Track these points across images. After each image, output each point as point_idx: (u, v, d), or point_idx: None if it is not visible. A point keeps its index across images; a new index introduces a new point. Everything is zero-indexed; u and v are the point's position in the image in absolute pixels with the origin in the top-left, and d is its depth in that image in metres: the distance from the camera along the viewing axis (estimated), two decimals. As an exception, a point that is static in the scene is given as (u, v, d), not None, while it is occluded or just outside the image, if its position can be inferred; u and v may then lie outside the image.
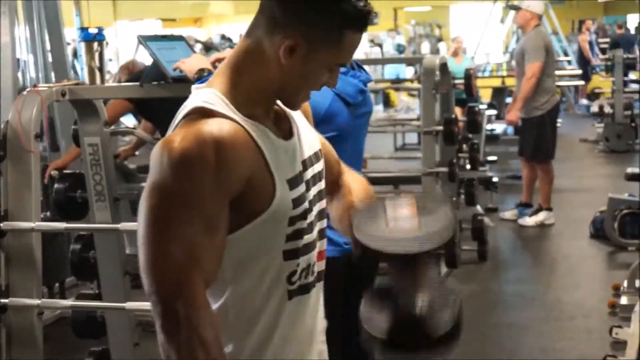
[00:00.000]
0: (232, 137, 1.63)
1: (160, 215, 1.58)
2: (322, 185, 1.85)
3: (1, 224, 3.60)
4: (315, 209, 1.80)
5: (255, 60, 1.71)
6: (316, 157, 1.85)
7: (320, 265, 1.83)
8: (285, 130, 1.79)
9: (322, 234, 1.83)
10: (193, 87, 1.78)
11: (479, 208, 7.34)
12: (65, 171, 4.76)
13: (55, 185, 4.25)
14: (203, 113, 1.65)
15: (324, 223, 1.84)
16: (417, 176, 6.22)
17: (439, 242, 1.65)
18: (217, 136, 1.60)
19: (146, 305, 3.64)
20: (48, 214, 5.17)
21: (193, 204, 1.58)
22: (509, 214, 8.09)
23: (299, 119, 1.86)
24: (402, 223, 1.68)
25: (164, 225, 1.58)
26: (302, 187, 1.74)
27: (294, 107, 1.80)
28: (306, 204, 1.74)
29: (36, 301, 3.59)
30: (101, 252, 4.05)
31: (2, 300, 3.60)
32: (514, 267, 6.86)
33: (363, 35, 1.73)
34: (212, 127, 1.61)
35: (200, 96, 1.70)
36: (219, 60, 3.39)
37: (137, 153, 6.20)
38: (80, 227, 4.19)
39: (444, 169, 5.93)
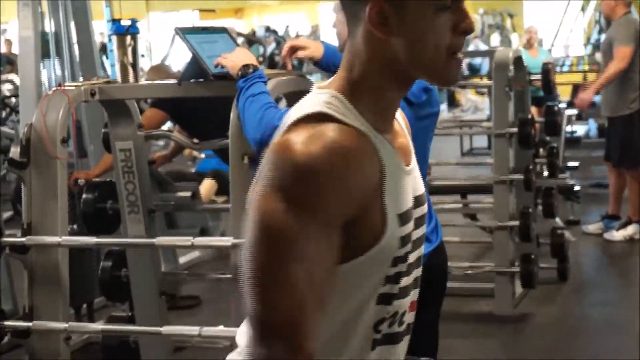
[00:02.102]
0: (360, 148, 1.56)
1: (283, 223, 1.50)
2: (425, 229, 1.80)
3: (24, 239, 3.63)
4: (416, 253, 1.74)
5: (361, 52, 1.63)
6: (425, 196, 1.79)
7: (411, 317, 1.79)
8: (406, 154, 1.72)
9: (417, 281, 1.78)
10: (314, 86, 1.71)
11: (558, 221, 7.26)
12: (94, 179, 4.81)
13: (84, 195, 4.28)
14: (326, 119, 1.58)
15: (420, 271, 1.78)
16: (488, 185, 6.17)
17: None
18: (346, 144, 1.53)
19: (184, 329, 3.66)
20: (75, 227, 5.21)
21: (321, 219, 1.51)
22: (593, 227, 8.00)
23: (411, 143, 1.79)
24: None
25: (286, 237, 1.50)
26: (410, 226, 1.67)
27: (445, 78, 1.66)
28: (410, 245, 1.68)
29: (63, 325, 3.61)
30: (134, 270, 4.08)
31: (26, 324, 3.64)
32: (599, 289, 6.77)
33: None
34: (339, 133, 1.54)
35: (320, 98, 1.63)
36: (294, 48, 3.36)
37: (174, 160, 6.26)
38: (111, 242, 4.21)
39: (519, 177, 5.88)
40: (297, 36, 17.69)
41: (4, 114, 11.37)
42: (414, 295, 1.77)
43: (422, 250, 1.78)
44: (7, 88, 12.49)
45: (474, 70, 16.12)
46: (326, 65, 3.38)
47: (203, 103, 4.95)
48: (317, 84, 1.71)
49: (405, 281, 1.70)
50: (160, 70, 6.17)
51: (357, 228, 1.57)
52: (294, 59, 3.37)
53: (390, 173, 1.61)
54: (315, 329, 1.53)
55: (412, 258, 1.70)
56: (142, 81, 4.76)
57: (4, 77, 13.42)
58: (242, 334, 1.72)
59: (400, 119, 1.80)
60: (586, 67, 14.67)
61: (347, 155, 1.52)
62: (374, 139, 1.60)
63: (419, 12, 1.59)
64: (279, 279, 1.50)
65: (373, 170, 1.58)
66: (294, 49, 3.36)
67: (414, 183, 1.73)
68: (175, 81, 3.72)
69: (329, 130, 1.54)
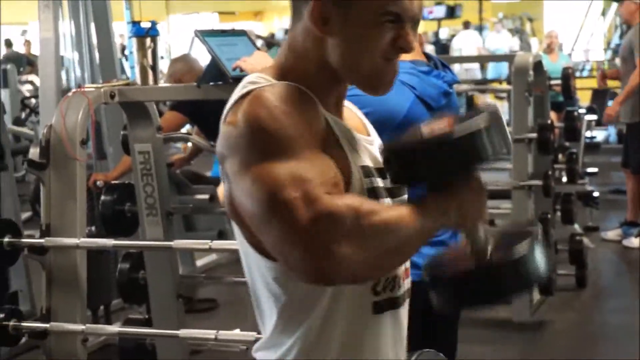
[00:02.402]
0: (305, 94, 1.61)
1: (266, 168, 1.52)
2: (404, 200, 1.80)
3: (43, 240, 3.64)
4: None
5: (298, 48, 1.68)
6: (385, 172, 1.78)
7: (407, 283, 1.80)
8: (358, 129, 1.76)
9: None
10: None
11: (577, 227, 7.22)
12: (113, 182, 4.81)
13: (102, 197, 4.29)
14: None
15: None
16: (507, 190, 6.14)
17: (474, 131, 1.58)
18: (292, 87, 1.60)
19: (201, 333, 3.66)
20: (93, 229, 5.22)
21: (292, 144, 1.54)
22: (611, 233, 7.96)
23: (377, 138, 1.83)
24: (436, 130, 1.62)
25: (276, 172, 1.52)
26: (377, 182, 1.69)
27: (377, 87, 1.69)
28: (387, 203, 1.70)
29: (80, 326, 3.62)
30: (152, 273, 4.08)
31: (43, 325, 3.64)
32: (618, 295, 6.73)
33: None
34: (275, 85, 1.61)
35: (243, 82, 1.68)
36: None
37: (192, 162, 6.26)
38: (129, 244, 4.22)
39: (538, 182, 5.85)
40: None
41: (23, 115, 11.43)
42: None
43: None
44: (27, 89, 12.57)
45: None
46: None
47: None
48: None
49: None
50: (186, 60, 6.10)
51: None
52: None
53: (337, 127, 1.65)
54: (340, 201, 1.51)
55: None
56: (162, 83, 4.76)
57: (24, 78, 13.49)
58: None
59: (353, 108, 1.83)
60: (608, 71, 14.57)
61: (293, 91, 1.59)
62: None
63: (361, 20, 1.62)
64: (274, 174, 1.51)
65: (320, 114, 1.62)
66: None
67: (375, 155, 1.74)
68: (193, 84, 3.72)
69: (266, 87, 1.60)
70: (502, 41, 19.32)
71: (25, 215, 7.87)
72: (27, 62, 16.26)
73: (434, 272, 1.69)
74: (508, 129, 5.87)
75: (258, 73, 1.70)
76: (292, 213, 1.49)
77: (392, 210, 1.58)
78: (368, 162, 1.69)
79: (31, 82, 12.69)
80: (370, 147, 1.75)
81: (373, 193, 1.66)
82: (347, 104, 1.79)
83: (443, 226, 1.62)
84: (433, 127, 1.59)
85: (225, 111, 1.67)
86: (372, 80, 1.68)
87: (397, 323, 1.77)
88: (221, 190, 6.11)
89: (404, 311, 1.80)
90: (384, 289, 1.72)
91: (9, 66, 11.22)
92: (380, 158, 1.74)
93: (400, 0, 1.62)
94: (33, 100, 11.58)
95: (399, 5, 1.62)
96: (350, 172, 1.63)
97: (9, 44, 17.30)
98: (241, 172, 1.56)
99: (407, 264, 1.80)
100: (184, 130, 6.03)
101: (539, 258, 1.62)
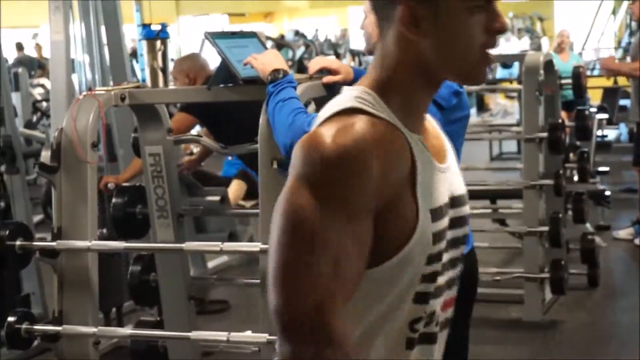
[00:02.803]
0: (391, 139, 1.56)
1: (310, 215, 1.49)
2: (465, 230, 1.77)
3: (54, 243, 3.65)
4: (450, 253, 1.71)
5: (392, 54, 1.62)
6: (465, 198, 1.76)
7: (447, 314, 1.77)
8: (439, 154, 1.70)
9: (452, 283, 1.75)
10: (343, 88, 1.70)
11: (589, 226, 7.19)
12: (123, 184, 4.81)
13: (113, 200, 4.29)
14: (357, 112, 1.58)
15: (456, 272, 1.76)
16: (518, 190, 6.14)
17: None
18: (377, 135, 1.52)
19: (213, 334, 3.66)
20: (104, 231, 5.23)
21: (349, 210, 1.50)
22: (623, 232, 7.94)
23: (450, 147, 1.77)
24: None
25: (312, 229, 1.49)
26: (444, 222, 1.65)
27: (475, 77, 1.65)
28: (444, 244, 1.66)
29: (92, 329, 3.63)
30: (163, 275, 4.08)
31: (55, 328, 3.65)
32: (630, 294, 6.70)
33: None
34: (371, 125, 1.54)
35: (352, 94, 1.62)
36: (324, 69, 3.36)
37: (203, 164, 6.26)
38: (140, 247, 4.22)
39: (549, 182, 5.84)
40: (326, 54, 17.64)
41: (35, 118, 11.45)
42: (447, 295, 1.74)
43: (458, 252, 1.75)
44: (38, 92, 12.60)
45: (506, 66, 15.98)
46: None
47: (232, 107, 4.95)
48: (346, 87, 1.70)
49: (440, 281, 1.67)
50: (195, 58, 6.10)
51: (387, 223, 1.55)
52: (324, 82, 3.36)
53: (422, 167, 1.60)
54: (343, 321, 1.51)
55: (445, 258, 1.68)
56: (172, 85, 4.77)
57: (35, 81, 13.53)
58: None
59: (433, 121, 1.78)
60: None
61: (375, 146, 1.51)
62: (405, 132, 1.59)
63: (451, 14, 1.58)
64: (303, 271, 1.49)
65: (403, 162, 1.57)
66: (324, 70, 3.36)
67: (451, 182, 1.70)
68: (204, 87, 3.72)
69: (359, 122, 1.54)
70: (510, 47, 19.27)
71: (37, 218, 7.89)
72: (38, 66, 16.31)
73: None
74: (519, 129, 5.88)
75: (363, 87, 1.64)
76: (302, 287, 1.49)
77: None
78: (444, 200, 1.65)
79: (42, 86, 12.72)
80: (447, 174, 1.70)
81: (437, 237, 1.62)
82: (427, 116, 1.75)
83: None
84: None
85: (323, 112, 1.63)
86: (473, 71, 1.63)
87: (429, 355, 1.73)
88: (232, 191, 6.14)
89: (440, 342, 1.76)
90: (423, 326, 1.68)
91: (20, 69, 11.24)
92: (457, 183, 1.73)
93: None
94: (44, 104, 11.61)
95: None
96: (415, 223, 1.58)
97: (20, 47, 17.35)
98: (291, 195, 1.52)
99: (449, 296, 1.76)
100: (194, 132, 6.04)
101: None
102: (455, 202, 1.71)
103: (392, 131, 1.57)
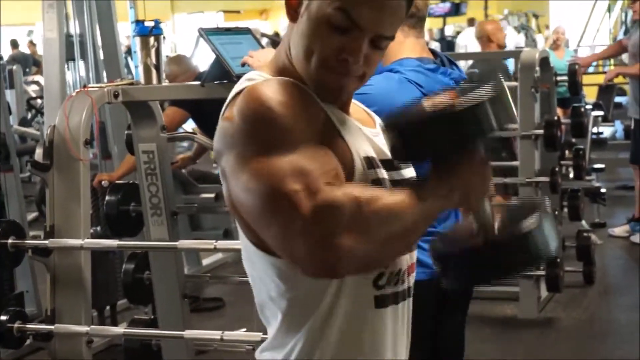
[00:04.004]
0: (297, 84, 1.60)
1: (262, 163, 1.49)
2: None
3: (47, 241, 3.62)
4: None
5: (285, 43, 1.69)
6: (393, 163, 1.75)
7: (412, 279, 1.78)
8: (364, 122, 1.75)
9: None
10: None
11: (584, 223, 7.18)
12: (117, 181, 4.78)
13: (107, 197, 4.26)
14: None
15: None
16: (513, 186, 6.12)
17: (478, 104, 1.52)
18: (281, 81, 1.58)
19: (207, 333, 3.64)
20: (98, 229, 5.20)
21: (292, 139, 1.51)
22: (619, 230, 7.92)
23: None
24: (439, 102, 1.57)
25: (274, 165, 1.49)
26: (380, 174, 1.66)
27: (317, 90, 1.63)
28: None
29: (85, 328, 3.60)
30: (157, 273, 4.06)
31: (48, 327, 3.63)
32: (626, 292, 6.69)
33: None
34: (271, 80, 1.61)
35: (245, 78, 1.69)
36: None
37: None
38: (133, 245, 4.20)
39: (545, 179, 5.82)
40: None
41: (29, 115, 11.42)
42: (410, 256, 1.75)
43: None
44: (32, 89, 12.56)
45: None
46: None
47: (223, 103, 4.92)
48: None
49: None
50: (180, 62, 6.12)
51: None
52: None
53: (338, 120, 1.64)
54: (341, 191, 1.48)
55: None
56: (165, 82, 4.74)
57: (30, 78, 13.49)
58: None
59: (360, 105, 1.82)
60: (612, 68, 14.51)
61: (291, 86, 1.56)
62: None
63: (317, 14, 1.60)
64: (284, 182, 1.48)
65: (319, 108, 1.61)
66: None
67: (383, 148, 1.72)
68: (197, 83, 3.69)
69: (259, 83, 1.59)
70: (507, 39, 19.23)
71: (32, 216, 7.86)
72: (33, 63, 16.27)
73: (441, 250, 1.67)
74: (515, 125, 5.86)
75: (256, 71, 1.71)
76: (293, 206, 1.46)
77: (394, 195, 1.53)
78: (372, 154, 1.67)
79: (37, 83, 12.69)
80: (376, 138, 1.73)
81: (378, 184, 1.64)
82: (353, 101, 1.77)
83: (447, 205, 1.58)
84: (435, 100, 1.54)
85: (223, 108, 1.66)
86: (313, 82, 1.63)
87: (398, 318, 1.74)
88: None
89: (406, 306, 1.77)
90: (388, 283, 1.69)
91: (14, 67, 11.21)
92: (387, 150, 1.72)
93: (366, 7, 1.57)
94: (39, 101, 11.57)
95: (359, 9, 1.57)
96: (352, 163, 1.61)
97: (15, 44, 17.31)
98: (238, 167, 1.53)
99: (413, 259, 1.78)
100: (189, 129, 6.01)
101: (548, 232, 1.59)
102: (391, 166, 1.71)
103: (296, 84, 1.60)
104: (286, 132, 1.51)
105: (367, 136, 1.70)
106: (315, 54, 1.60)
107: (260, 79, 1.64)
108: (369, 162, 1.65)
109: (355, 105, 1.78)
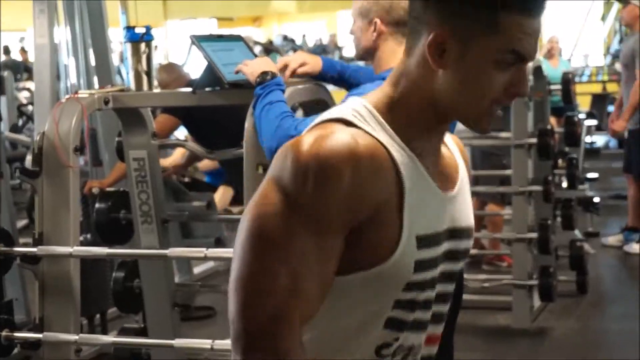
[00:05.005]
0: (372, 154, 1.50)
1: (276, 221, 1.47)
2: (459, 265, 1.71)
3: (35, 249, 3.59)
4: (439, 288, 1.65)
5: (411, 73, 1.58)
6: (469, 232, 1.70)
7: (429, 350, 1.72)
8: (447, 181, 1.65)
9: (438, 318, 1.70)
10: (349, 97, 1.67)
11: (577, 233, 7.18)
12: (108, 189, 4.76)
13: (97, 205, 4.24)
14: (345, 123, 1.55)
15: (445, 308, 1.71)
16: (507, 195, 6.11)
17: None
18: (355, 148, 1.48)
19: (197, 342, 3.61)
20: (88, 236, 5.17)
21: (316, 223, 1.47)
22: (612, 239, 7.92)
23: (465, 176, 1.72)
24: None
25: (276, 237, 1.47)
26: (434, 252, 1.59)
27: (473, 125, 1.60)
28: (429, 274, 1.60)
29: (73, 336, 3.57)
30: (147, 281, 4.03)
31: (36, 335, 3.59)
32: (619, 301, 6.69)
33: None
34: (350, 136, 1.50)
35: (350, 106, 1.59)
36: (287, 66, 3.34)
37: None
38: (123, 253, 4.17)
39: (538, 188, 5.82)
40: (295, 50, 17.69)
41: (20, 122, 11.38)
42: (433, 329, 1.69)
43: (449, 287, 1.69)
44: (24, 96, 12.53)
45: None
46: (323, 78, 3.43)
47: (216, 111, 4.91)
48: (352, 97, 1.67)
49: (419, 315, 1.62)
50: (171, 69, 6.11)
51: (363, 239, 1.51)
52: (292, 76, 3.35)
53: (412, 189, 1.55)
54: (297, 338, 1.48)
55: (432, 292, 1.63)
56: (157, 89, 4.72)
57: (21, 85, 13.46)
58: None
59: (455, 148, 1.74)
60: (606, 77, 14.56)
61: (351, 158, 1.48)
62: (397, 152, 1.54)
63: (477, 60, 1.54)
64: (262, 280, 1.47)
65: (385, 180, 1.52)
66: (286, 67, 3.34)
67: (455, 213, 1.65)
68: (189, 90, 3.67)
69: (340, 132, 1.51)
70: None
71: (22, 223, 7.83)
72: (24, 69, 16.24)
73: None
74: (508, 134, 5.86)
75: (365, 101, 1.60)
76: (259, 297, 1.47)
77: None
78: (434, 228, 1.59)
79: (28, 89, 12.66)
80: (452, 204, 1.65)
81: (421, 266, 1.57)
82: (447, 138, 1.71)
83: None
84: None
85: (316, 119, 1.60)
86: (476, 119, 1.59)
87: None
88: (218, 195, 6.08)
89: None
90: (392, 355, 1.62)
91: (5, 73, 11.18)
92: (464, 215, 1.68)
93: (526, 39, 1.54)
94: (30, 108, 11.54)
95: (523, 44, 1.54)
96: (395, 246, 1.53)
97: (7, 51, 17.29)
98: (263, 195, 1.50)
99: (434, 332, 1.71)
100: (181, 137, 6.00)
101: None
102: (455, 234, 1.65)
103: (374, 147, 1.52)
104: (326, 211, 1.47)
105: (441, 204, 1.62)
106: (485, 93, 1.55)
107: (359, 120, 1.55)
108: (426, 240, 1.57)
109: (448, 151, 1.70)
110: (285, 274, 1.46)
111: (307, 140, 1.49)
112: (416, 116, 1.58)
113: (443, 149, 1.67)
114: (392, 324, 1.59)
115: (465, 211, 1.69)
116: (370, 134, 1.53)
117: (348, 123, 1.54)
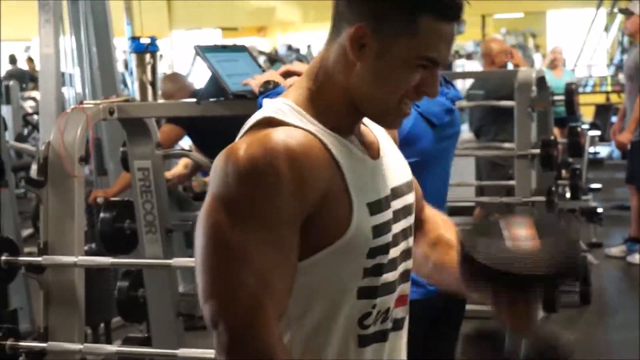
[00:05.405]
0: (305, 146, 1.57)
1: (227, 234, 1.53)
2: (411, 220, 1.79)
3: (40, 258, 3.59)
4: (401, 246, 1.73)
5: (329, 67, 1.66)
6: (408, 187, 1.79)
7: (401, 312, 1.77)
8: (372, 149, 1.73)
9: (405, 276, 1.77)
10: (264, 100, 1.73)
11: (581, 243, 7.16)
12: (112, 198, 4.76)
13: (101, 214, 4.24)
14: (272, 123, 1.61)
15: (409, 264, 1.78)
16: (510, 206, 6.10)
17: (574, 265, 1.65)
18: (289, 144, 1.55)
19: (201, 352, 3.60)
20: (93, 245, 5.17)
21: (265, 222, 1.53)
22: (615, 250, 7.91)
23: (387, 141, 1.80)
24: (523, 243, 1.65)
25: (231, 247, 1.52)
26: (386, 215, 1.67)
27: (383, 122, 1.73)
28: (389, 236, 1.68)
29: (78, 346, 3.57)
30: (151, 291, 4.04)
31: (41, 345, 3.59)
32: (622, 312, 6.68)
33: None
34: (283, 134, 1.57)
35: (269, 106, 1.67)
36: (290, 73, 3.36)
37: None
38: (127, 263, 4.17)
39: (541, 198, 5.80)
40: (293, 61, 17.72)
41: (26, 131, 11.40)
42: (402, 289, 1.76)
43: (408, 243, 1.77)
44: (29, 105, 12.56)
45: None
46: None
47: (220, 122, 4.91)
48: (266, 100, 1.73)
49: (388, 276, 1.69)
50: (175, 79, 6.13)
51: (318, 222, 1.58)
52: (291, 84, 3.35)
53: (349, 166, 1.62)
54: (276, 331, 1.54)
55: (395, 252, 1.70)
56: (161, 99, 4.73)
57: (26, 94, 13.48)
58: None
59: (368, 122, 1.80)
60: (609, 88, 14.53)
61: (287, 155, 1.54)
62: (325, 137, 1.62)
63: (395, 59, 1.61)
64: (229, 287, 1.52)
65: (324, 167, 1.59)
66: (289, 74, 3.35)
67: (389, 173, 1.73)
68: (193, 100, 3.68)
69: (273, 132, 1.57)
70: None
71: (27, 232, 7.83)
72: (30, 79, 16.27)
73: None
74: (511, 145, 5.86)
75: (284, 99, 1.68)
76: (231, 303, 1.53)
77: None
78: (379, 194, 1.68)
79: (34, 99, 12.68)
80: (382, 168, 1.73)
81: (378, 231, 1.65)
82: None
83: None
84: (514, 231, 1.67)
85: (243, 129, 1.66)
86: (382, 116, 1.68)
87: (382, 353, 1.73)
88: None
89: (393, 340, 1.76)
90: (374, 323, 1.69)
91: (11, 82, 11.20)
92: (399, 173, 1.76)
93: (441, 44, 1.61)
94: (35, 117, 11.57)
95: (438, 49, 1.61)
96: (348, 222, 1.61)
97: (13, 60, 17.31)
98: (208, 214, 1.56)
99: (404, 291, 1.78)
100: (186, 147, 6.00)
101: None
102: (397, 192, 1.73)
103: (306, 138, 1.59)
104: (272, 208, 1.54)
105: (374, 175, 1.70)
106: (396, 90, 1.62)
107: (283, 117, 1.63)
108: (375, 206, 1.65)
109: (363, 126, 1.77)
110: (249, 275, 1.52)
111: (241, 146, 1.55)
112: (335, 105, 1.65)
113: (364, 129, 1.76)
114: (365, 293, 1.65)
115: (398, 169, 1.78)
116: (298, 126, 1.61)
117: (275, 122, 1.61)
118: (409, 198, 1.78)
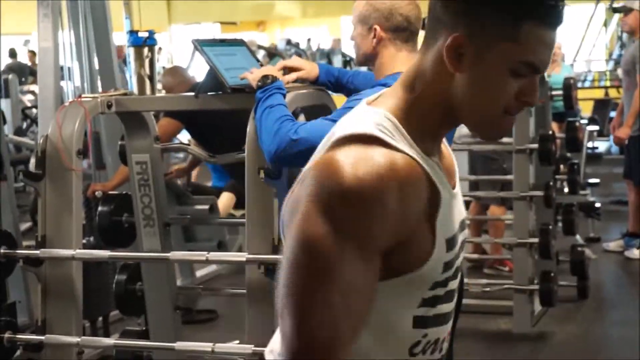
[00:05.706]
0: (413, 177, 1.52)
1: (325, 249, 1.46)
2: (464, 253, 1.74)
3: (38, 251, 3.60)
4: (457, 281, 1.69)
5: (427, 76, 1.59)
6: (465, 221, 1.74)
7: (447, 342, 1.74)
8: (451, 177, 1.68)
9: (452, 312, 1.73)
10: (363, 101, 1.66)
11: (578, 238, 7.18)
12: (110, 192, 4.76)
13: (99, 208, 4.24)
14: (377, 142, 1.53)
15: (460, 295, 1.75)
16: (508, 200, 6.11)
17: None
18: (399, 175, 1.49)
19: (198, 345, 3.61)
20: (91, 239, 5.17)
21: (363, 247, 1.47)
22: (613, 244, 7.91)
23: (454, 160, 1.75)
24: None
25: (327, 259, 1.46)
26: (456, 250, 1.63)
27: (485, 134, 1.65)
28: (452, 271, 1.64)
29: (75, 339, 3.58)
30: (149, 284, 4.04)
31: (38, 337, 3.60)
32: (619, 307, 6.68)
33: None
34: (391, 162, 1.50)
35: (370, 118, 1.58)
36: (287, 68, 3.37)
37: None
38: (125, 256, 4.16)
39: (539, 193, 5.81)
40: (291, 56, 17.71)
41: (25, 125, 11.40)
42: (450, 323, 1.72)
43: (461, 278, 1.74)
44: (28, 99, 12.56)
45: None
46: (322, 84, 3.45)
47: (218, 116, 4.91)
48: (367, 99, 1.67)
49: (443, 308, 1.65)
50: (176, 73, 6.13)
51: (402, 252, 1.53)
52: (289, 81, 3.36)
53: (445, 199, 1.58)
54: (349, 356, 1.49)
55: (452, 285, 1.66)
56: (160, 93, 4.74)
57: (25, 88, 13.48)
58: (273, 351, 1.69)
59: (449, 150, 1.76)
60: (608, 83, 14.53)
61: (394, 184, 1.48)
62: (425, 164, 1.56)
63: (494, 65, 1.55)
64: (316, 304, 1.46)
65: (421, 198, 1.54)
66: (287, 69, 3.36)
67: (459, 206, 1.69)
68: (191, 94, 3.68)
69: (380, 156, 1.50)
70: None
71: (26, 225, 7.84)
72: (29, 72, 16.26)
73: None
74: (509, 139, 5.86)
75: (383, 110, 1.60)
76: (314, 320, 1.47)
77: None
78: (455, 228, 1.64)
79: (32, 92, 12.68)
80: (457, 200, 1.68)
81: (447, 266, 1.61)
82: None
83: None
84: None
85: (339, 129, 1.59)
86: (487, 127, 1.62)
87: None
88: (221, 201, 6.08)
89: None
90: (423, 352, 1.66)
91: (10, 76, 11.20)
92: (462, 207, 1.71)
93: (543, 50, 1.56)
94: (34, 110, 11.57)
95: (539, 55, 1.56)
96: (430, 255, 1.57)
97: (13, 54, 17.30)
98: (306, 224, 1.48)
99: (450, 325, 1.74)
100: (184, 140, 6.00)
101: None
102: (463, 225, 1.70)
103: (410, 166, 1.53)
104: (371, 235, 1.48)
105: (453, 207, 1.65)
106: (497, 99, 1.56)
107: (384, 135, 1.55)
108: (451, 241, 1.61)
109: (444, 148, 1.72)
110: (339, 294, 1.46)
111: (347, 161, 1.48)
112: (429, 119, 1.60)
113: (443, 149, 1.70)
114: (419, 322, 1.62)
115: (462, 200, 1.72)
116: (402, 151, 1.54)
117: (379, 142, 1.53)
118: (467, 231, 1.74)
